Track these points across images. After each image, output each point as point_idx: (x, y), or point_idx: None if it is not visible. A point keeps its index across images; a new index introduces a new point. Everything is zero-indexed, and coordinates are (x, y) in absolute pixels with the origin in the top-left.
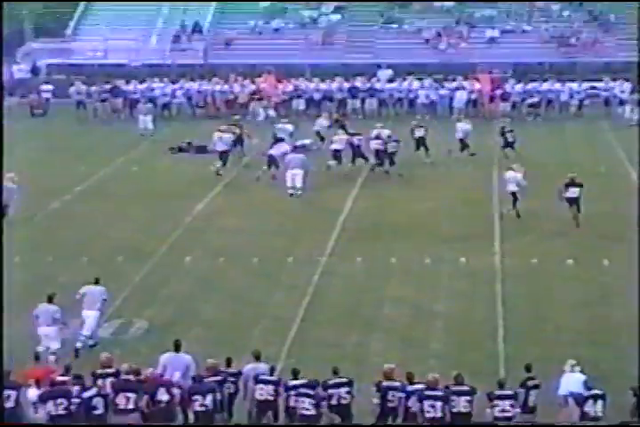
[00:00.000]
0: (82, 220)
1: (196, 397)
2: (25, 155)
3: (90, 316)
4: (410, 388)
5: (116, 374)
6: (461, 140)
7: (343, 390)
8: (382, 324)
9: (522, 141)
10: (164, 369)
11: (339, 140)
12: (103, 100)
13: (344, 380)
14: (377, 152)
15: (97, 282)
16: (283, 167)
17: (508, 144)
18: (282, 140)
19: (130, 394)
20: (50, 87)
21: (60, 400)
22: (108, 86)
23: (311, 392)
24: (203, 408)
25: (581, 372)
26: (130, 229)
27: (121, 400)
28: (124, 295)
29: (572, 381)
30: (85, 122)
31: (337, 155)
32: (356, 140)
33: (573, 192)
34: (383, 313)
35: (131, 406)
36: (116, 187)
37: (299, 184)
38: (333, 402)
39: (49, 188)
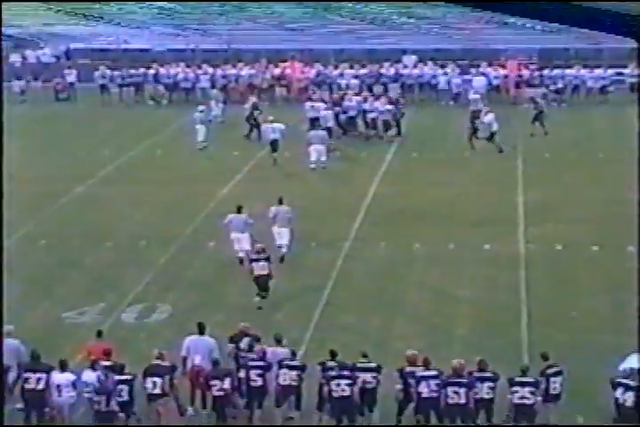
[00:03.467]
0: (106, 204)
1: (215, 382)
2: (49, 139)
3: (283, 231)
4: (421, 373)
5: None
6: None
7: (369, 374)
8: (406, 309)
9: (547, 128)
10: (188, 352)
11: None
12: (127, 85)
13: (372, 365)
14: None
15: (281, 202)
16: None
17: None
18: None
19: (156, 379)
20: (74, 71)
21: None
22: (151, 71)
23: (347, 373)
24: (221, 392)
25: None
26: (154, 213)
27: (148, 384)
28: (148, 280)
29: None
30: (109, 106)
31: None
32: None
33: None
34: (407, 298)
35: (157, 390)
36: (140, 171)
37: (323, 158)
38: (359, 386)
39: (73, 172)
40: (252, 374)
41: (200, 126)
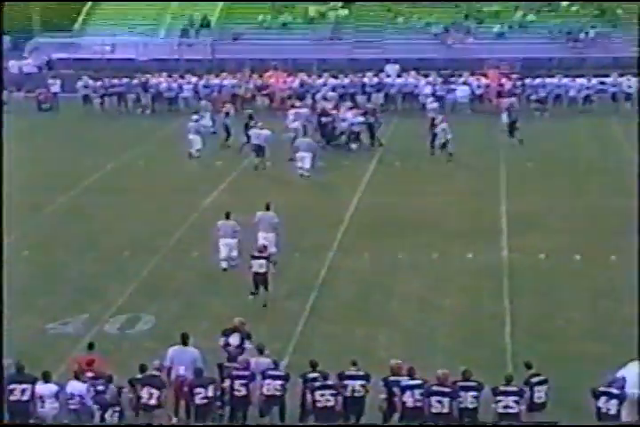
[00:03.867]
0: (89, 214)
1: (199, 389)
2: (32, 149)
3: (269, 237)
4: (405, 382)
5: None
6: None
7: (358, 382)
8: (389, 319)
9: (529, 137)
10: (172, 362)
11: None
12: (109, 95)
13: (361, 373)
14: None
15: (268, 208)
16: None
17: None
18: (262, 148)
19: (154, 390)
20: (58, 81)
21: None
22: (136, 81)
23: (331, 383)
24: (205, 400)
25: None
26: (137, 223)
27: (145, 394)
28: (131, 290)
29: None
30: (92, 116)
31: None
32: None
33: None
34: (390, 308)
35: (153, 401)
36: (123, 181)
37: (307, 166)
38: (347, 394)
39: (56, 182)
40: (237, 383)
41: (194, 136)
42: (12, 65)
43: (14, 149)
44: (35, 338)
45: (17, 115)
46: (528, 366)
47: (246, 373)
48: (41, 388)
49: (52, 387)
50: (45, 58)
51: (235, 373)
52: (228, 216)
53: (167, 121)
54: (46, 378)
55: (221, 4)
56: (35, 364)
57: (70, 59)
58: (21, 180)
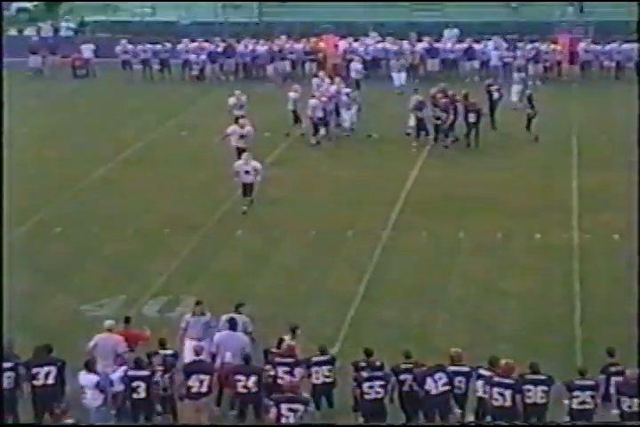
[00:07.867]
0: (127, 189)
1: (239, 377)
2: (67, 118)
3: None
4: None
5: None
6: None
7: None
8: (448, 303)
9: (604, 108)
10: (217, 348)
11: None
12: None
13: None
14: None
15: (238, 309)
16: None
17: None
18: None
19: (203, 376)
20: (91, 46)
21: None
22: (221, 47)
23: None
24: (245, 390)
25: None
26: (178, 198)
27: (194, 383)
28: (171, 270)
29: None
30: (132, 83)
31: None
32: None
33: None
34: (450, 292)
35: (204, 389)
36: (164, 153)
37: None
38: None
39: (92, 154)
40: (280, 371)
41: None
42: (45, 28)
43: (48, 118)
44: (69, 320)
45: (52, 81)
46: (610, 354)
47: (289, 360)
48: (83, 378)
49: (94, 378)
50: (78, 19)
51: (277, 360)
52: (200, 309)
53: (211, 89)
54: (89, 368)
55: None
56: (69, 347)
57: (108, 22)
58: (54, 151)
